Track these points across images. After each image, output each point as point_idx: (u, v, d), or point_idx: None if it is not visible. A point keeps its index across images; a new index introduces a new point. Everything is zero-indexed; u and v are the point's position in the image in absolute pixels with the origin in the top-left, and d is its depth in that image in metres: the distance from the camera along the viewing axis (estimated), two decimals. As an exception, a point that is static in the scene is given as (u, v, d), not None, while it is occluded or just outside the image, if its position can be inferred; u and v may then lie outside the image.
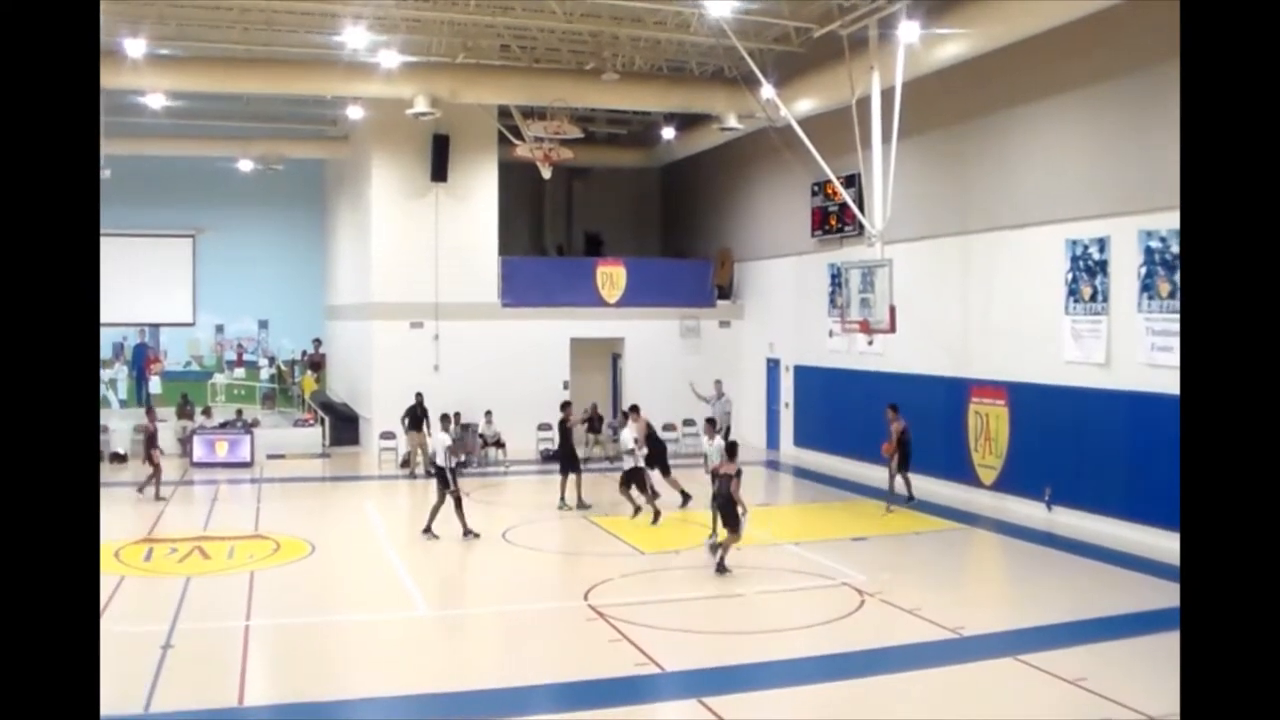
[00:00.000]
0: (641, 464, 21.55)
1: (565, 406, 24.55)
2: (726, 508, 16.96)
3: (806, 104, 25.14)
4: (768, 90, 24.11)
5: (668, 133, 33.06)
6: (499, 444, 29.66)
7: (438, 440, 20.65)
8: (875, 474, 25.27)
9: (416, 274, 31.28)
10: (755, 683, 12.16)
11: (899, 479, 22.62)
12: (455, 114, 29.12)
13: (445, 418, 21.72)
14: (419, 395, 28.27)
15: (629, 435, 21.91)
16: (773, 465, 30.27)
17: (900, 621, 14.41)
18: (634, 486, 21.31)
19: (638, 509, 21.26)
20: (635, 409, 22.99)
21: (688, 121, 31.99)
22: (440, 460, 20.24)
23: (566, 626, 14.55)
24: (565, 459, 23.48)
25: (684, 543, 19.34)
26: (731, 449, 17.76)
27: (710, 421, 21.45)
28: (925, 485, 24.14)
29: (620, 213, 39.67)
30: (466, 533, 19.80)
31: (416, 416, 27.91)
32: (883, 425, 23.05)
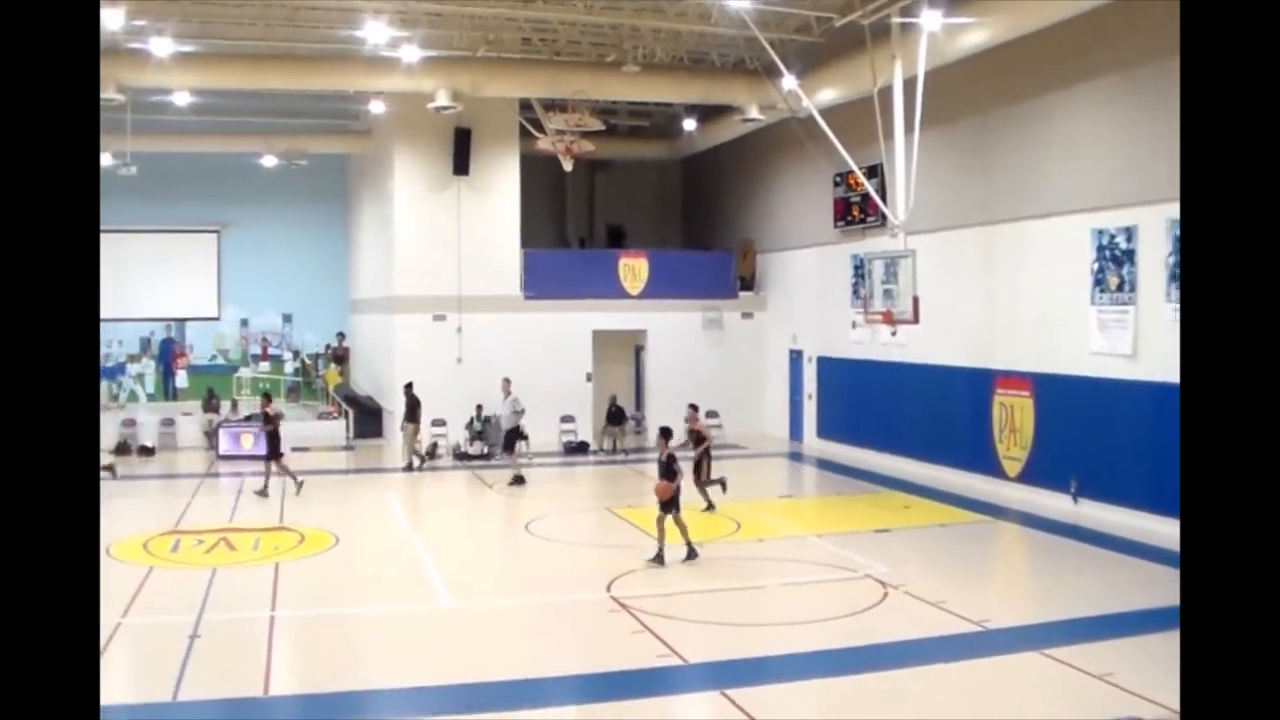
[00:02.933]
0: None
1: (267, 397, 25.80)
2: None
3: (828, 94, 25.00)
4: (789, 81, 24.01)
5: (689, 124, 32.92)
6: (522, 436, 29.64)
7: None
8: (899, 466, 25.22)
9: (439, 267, 31.31)
10: (777, 675, 12.12)
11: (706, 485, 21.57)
12: (477, 107, 29.07)
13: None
14: (409, 386, 28.40)
15: None
16: (796, 457, 30.19)
17: (924, 614, 14.32)
18: None
19: None
20: None
21: (709, 113, 31.86)
22: None
23: (589, 618, 14.54)
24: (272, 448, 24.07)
25: (707, 535, 19.29)
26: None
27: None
28: (949, 477, 24.11)
29: (642, 205, 39.66)
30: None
31: (409, 407, 28.00)
32: (902, 416, 22.95)
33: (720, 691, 11.32)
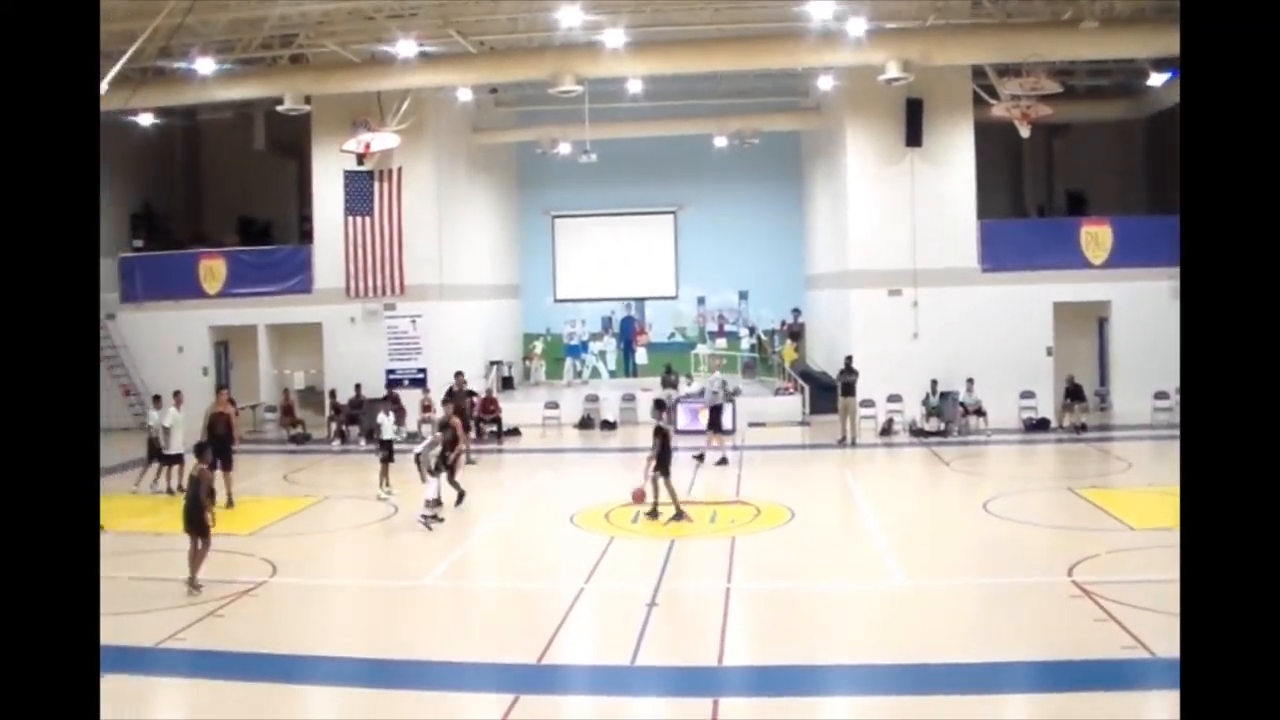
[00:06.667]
0: None
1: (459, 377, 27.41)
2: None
3: (1316, 36, 22.85)
4: (1269, 25, 22.14)
5: (1155, 80, 30.96)
6: (980, 412, 29.09)
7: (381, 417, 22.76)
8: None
9: (893, 241, 31.16)
10: (1257, 673, 11.24)
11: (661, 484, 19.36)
12: (928, 77, 28.54)
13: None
14: (848, 359, 28.72)
15: None
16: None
17: None
18: None
19: None
20: None
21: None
22: (387, 433, 22.39)
23: (1048, 603, 14.03)
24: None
25: (1165, 522, 18.17)
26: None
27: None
28: None
29: (1104, 168, 37.62)
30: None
31: (847, 384, 28.02)
32: None
33: (1191, 689, 10.60)
